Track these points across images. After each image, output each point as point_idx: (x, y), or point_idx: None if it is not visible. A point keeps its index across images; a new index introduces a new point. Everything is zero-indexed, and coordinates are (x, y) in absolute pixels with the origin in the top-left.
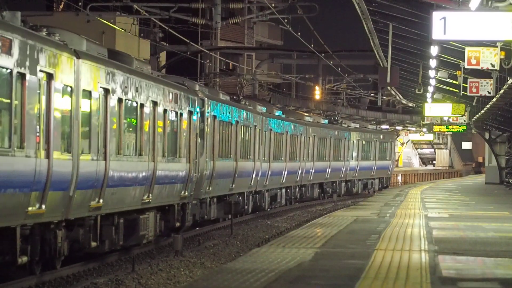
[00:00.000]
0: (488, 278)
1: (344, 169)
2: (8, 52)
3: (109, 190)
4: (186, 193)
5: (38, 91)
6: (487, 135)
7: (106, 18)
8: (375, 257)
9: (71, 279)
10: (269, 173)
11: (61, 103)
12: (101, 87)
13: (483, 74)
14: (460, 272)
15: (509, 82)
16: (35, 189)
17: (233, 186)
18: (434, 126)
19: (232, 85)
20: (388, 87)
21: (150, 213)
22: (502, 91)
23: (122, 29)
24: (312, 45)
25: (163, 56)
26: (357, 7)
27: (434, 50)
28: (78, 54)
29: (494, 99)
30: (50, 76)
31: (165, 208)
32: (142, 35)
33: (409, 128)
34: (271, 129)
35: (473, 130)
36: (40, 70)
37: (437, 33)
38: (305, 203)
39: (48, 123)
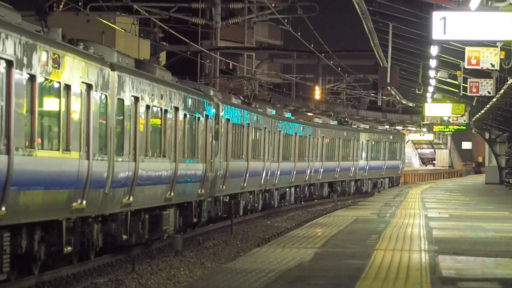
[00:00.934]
0: (488, 278)
1: (353, 168)
2: (58, 67)
3: (138, 188)
4: (203, 191)
5: (80, 100)
6: (487, 135)
7: (106, 18)
8: (375, 257)
9: (71, 279)
10: (278, 173)
11: (99, 110)
12: (132, 95)
13: (483, 74)
14: (460, 272)
15: (509, 82)
16: (78, 187)
17: (245, 185)
18: (434, 126)
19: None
20: (388, 87)
21: (171, 209)
22: (502, 91)
23: (122, 29)
24: (312, 45)
25: (163, 56)
26: (357, 7)
27: (434, 50)
28: (113, 67)
29: (494, 99)
30: (89, 87)
31: (183, 205)
32: (142, 35)
33: (409, 128)
34: (280, 131)
35: (473, 130)
36: (82, 82)
37: (437, 33)
38: (305, 204)
39: (88, 128)
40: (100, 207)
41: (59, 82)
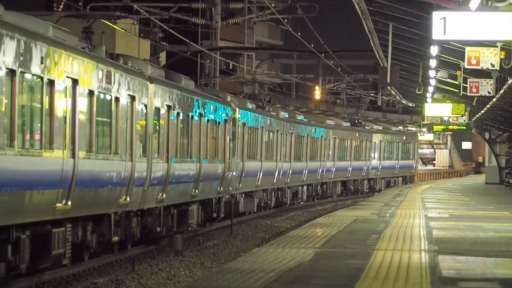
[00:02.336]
0: (488, 278)
1: (366, 168)
2: (110, 82)
3: (169, 186)
4: (222, 189)
5: (126, 110)
6: (487, 135)
7: (106, 18)
8: (375, 257)
9: (71, 279)
10: (290, 172)
11: (140, 118)
12: (166, 104)
13: (483, 74)
14: (460, 272)
15: (509, 82)
16: (124, 185)
17: (259, 183)
18: (434, 126)
19: (233, 85)
20: (388, 87)
21: (195, 205)
22: (502, 91)
23: (122, 29)
24: (312, 45)
25: (163, 56)
26: (357, 7)
27: (434, 50)
28: (151, 80)
29: (494, 99)
30: (133, 98)
31: (205, 202)
32: (142, 35)
33: (409, 128)
34: (292, 133)
35: (473, 130)
36: (128, 94)
37: (437, 33)
38: (305, 204)
39: (131, 134)
40: (140, 203)
41: (111, 95)
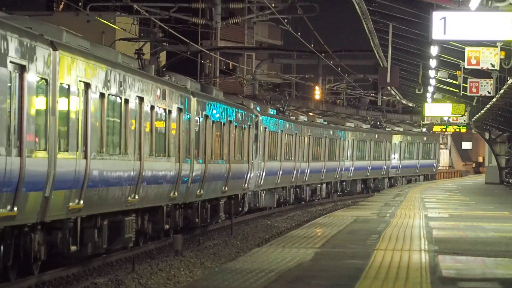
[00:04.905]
0: (488, 278)
1: (385, 167)
2: (164, 98)
3: (206, 183)
4: (246, 186)
5: (176, 121)
6: (487, 135)
7: (106, 18)
8: (375, 257)
9: (71, 279)
10: (308, 171)
11: (185, 127)
12: (205, 114)
13: (483, 74)
14: (460, 272)
15: (509, 82)
16: (173, 182)
17: (278, 181)
18: (434, 126)
19: (233, 85)
20: (388, 87)
21: (224, 200)
22: (502, 91)
23: (122, 29)
24: (312, 45)
25: (163, 56)
26: (357, 7)
27: (434, 50)
28: (193, 93)
29: (494, 99)
30: (180, 110)
31: (231, 197)
32: (142, 35)
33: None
34: (309, 135)
35: (473, 130)
36: (177, 107)
37: (437, 33)
38: (305, 204)
39: (179, 140)
40: (184, 197)
41: (165, 109)
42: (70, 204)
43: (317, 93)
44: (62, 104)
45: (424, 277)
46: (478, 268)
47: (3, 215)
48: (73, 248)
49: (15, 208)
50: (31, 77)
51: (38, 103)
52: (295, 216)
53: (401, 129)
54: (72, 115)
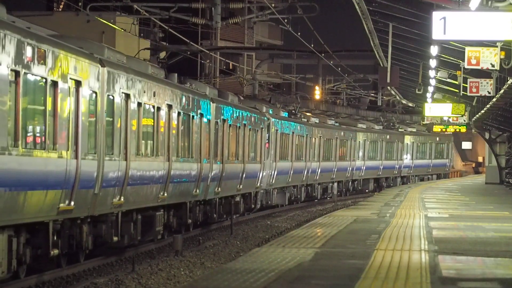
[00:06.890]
0: (488, 278)
1: (397, 166)
2: (189, 104)
3: (223, 182)
4: (258, 184)
5: (198, 124)
6: (487, 135)
7: (106, 18)
8: (375, 257)
9: (71, 279)
10: (319, 170)
11: (206, 131)
12: (222, 119)
13: (483, 74)
14: (460, 272)
15: (509, 82)
16: (195, 180)
17: (289, 180)
18: (434, 126)
19: (233, 85)
20: (388, 87)
21: (238, 197)
22: (502, 91)
23: (122, 29)
24: (312, 45)
25: (163, 56)
26: (357, 7)
27: (434, 50)
28: (213, 100)
29: (494, 99)
30: (201, 115)
31: (245, 195)
32: (142, 35)
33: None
34: (320, 137)
35: (473, 130)
36: (199, 112)
37: (437, 33)
38: (305, 203)
39: (200, 142)
40: (204, 194)
41: (189, 115)
42: (114, 200)
43: (317, 93)
44: (108, 113)
45: (424, 277)
46: (478, 268)
47: (63, 209)
48: (115, 238)
49: (72, 203)
50: (85, 91)
51: (90, 112)
52: (295, 216)
53: (414, 130)
54: (116, 123)
